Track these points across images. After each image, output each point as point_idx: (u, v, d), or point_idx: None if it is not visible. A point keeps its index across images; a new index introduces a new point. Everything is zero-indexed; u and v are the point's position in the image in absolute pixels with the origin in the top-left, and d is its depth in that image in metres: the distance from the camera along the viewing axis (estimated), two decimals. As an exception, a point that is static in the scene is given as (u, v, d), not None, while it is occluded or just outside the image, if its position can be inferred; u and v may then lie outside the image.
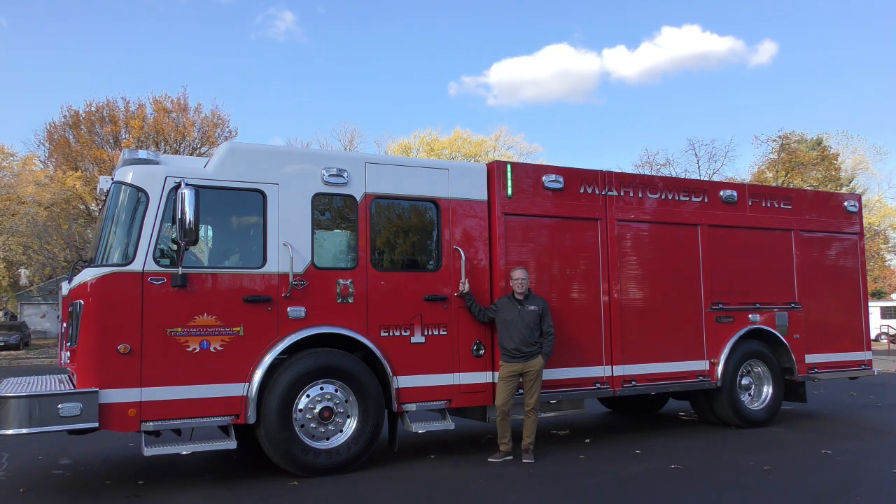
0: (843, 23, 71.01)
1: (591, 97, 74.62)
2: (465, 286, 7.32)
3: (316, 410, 6.63)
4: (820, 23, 72.41)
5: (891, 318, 32.94)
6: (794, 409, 10.62)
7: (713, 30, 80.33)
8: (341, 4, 76.42)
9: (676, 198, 8.90)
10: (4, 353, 32.61)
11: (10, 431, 5.63)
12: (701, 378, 8.81)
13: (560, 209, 8.07)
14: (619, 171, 8.90)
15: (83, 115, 36.65)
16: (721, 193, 9.28)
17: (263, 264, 6.58)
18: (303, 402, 6.59)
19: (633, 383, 8.32)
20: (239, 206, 6.80)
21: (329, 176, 6.96)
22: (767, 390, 9.40)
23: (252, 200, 6.67)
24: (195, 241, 6.11)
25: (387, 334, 7.03)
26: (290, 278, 6.60)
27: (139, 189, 6.31)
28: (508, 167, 7.89)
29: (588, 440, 8.49)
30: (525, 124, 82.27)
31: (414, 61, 76.24)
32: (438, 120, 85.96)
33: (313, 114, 74.43)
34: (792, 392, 9.57)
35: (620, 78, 75.11)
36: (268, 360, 6.44)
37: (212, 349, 6.30)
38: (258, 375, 6.39)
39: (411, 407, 7.05)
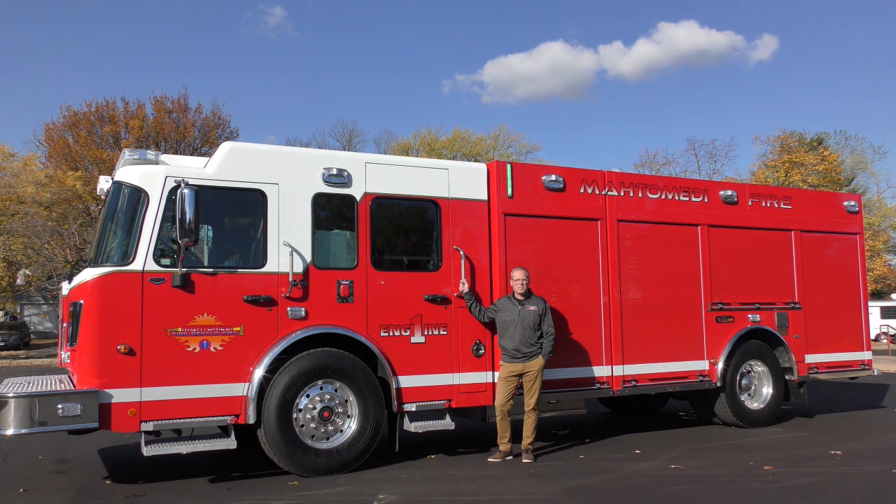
0: (843, 17, 70.93)
1: (589, 95, 74.65)
2: (464, 286, 7.32)
3: (316, 410, 6.63)
4: (820, 15, 72.37)
5: (891, 318, 32.92)
6: (794, 409, 10.61)
7: (711, 25, 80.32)
8: None
9: (676, 198, 8.91)
10: (4, 353, 32.58)
11: (10, 431, 5.63)
12: (701, 378, 8.82)
13: (560, 209, 8.07)
14: (619, 171, 8.90)
15: (82, 115, 36.62)
16: (721, 193, 9.28)
17: (263, 264, 6.58)
18: (303, 402, 6.59)
19: (634, 383, 8.32)
20: (239, 205, 6.80)
21: (329, 176, 6.96)
22: (767, 390, 9.40)
23: (252, 200, 6.67)
24: (195, 242, 6.12)
25: (387, 334, 7.03)
26: (290, 278, 6.60)
27: (139, 189, 6.31)
28: (508, 167, 7.89)
29: (588, 440, 8.49)
30: (522, 122, 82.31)
31: (407, 59, 76.16)
32: (433, 118, 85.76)
33: (309, 113, 74.40)
34: (792, 392, 9.56)
35: (618, 75, 75.10)
36: (268, 359, 6.44)
37: (212, 349, 6.30)
38: (258, 375, 6.39)
39: (411, 407, 7.05)
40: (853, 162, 45.61)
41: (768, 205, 9.62)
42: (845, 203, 10.46)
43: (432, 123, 78.62)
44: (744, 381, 9.26)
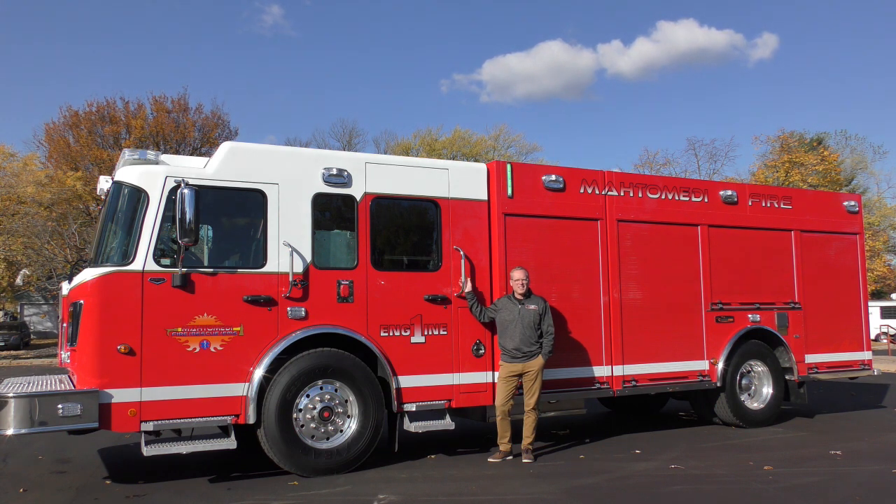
0: (843, 13, 70.82)
1: (588, 94, 74.52)
2: (465, 286, 7.33)
3: (316, 410, 6.63)
4: (820, 12, 72.25)
5: (891, 318, 32.92)
6: (794, 409, 10.61)
7: (710, 24, 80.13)
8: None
9: (676, 198, 8.91)
10: (4, 353, 32.57)
11: (10, 431, 5.63)
12: (701, 378, 8.82)
13: (560, 209, 8.07)
14: (619, 171, 8.91)
15: (83, 115, 36.62)
16: (721, 193, 9.28)
17: (264, 264, 6.58)
18: (303, 402, 6.59)
19: (634, 383, 8.32)
20: (239, 206, 6.81)
21: (329, 176, 6.96)
22: (767, 390, 9.40)
23: (252, 200, 6.68)
24: (195, 242, 6.12)
25: (387, 334, 7.03)
26: (290, 278, 6.60)
27: (139, 189, 6.31)
28: (509, 167, 7.89)
29: (588, 440, 8.49)
30: (521, 122, 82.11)
31: (405, 59, 75.95)
32: (432, 118, 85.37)
33: (309, 113, 74.21)
34: (792, 392, 9.55)
35: (617, 74, 74.96)
36: (268, 359, 6.44)
37: (212, 349, 6.30)
38: (258, 375, 6.40)
39: (411, 407, 7.05)
40: (853, 162, 45.61)
41: (768, 205, 9.62)
42: (845, 203, 10.47)
43: (432, 123, 78.52)
44: (744, 381, 9.26)
